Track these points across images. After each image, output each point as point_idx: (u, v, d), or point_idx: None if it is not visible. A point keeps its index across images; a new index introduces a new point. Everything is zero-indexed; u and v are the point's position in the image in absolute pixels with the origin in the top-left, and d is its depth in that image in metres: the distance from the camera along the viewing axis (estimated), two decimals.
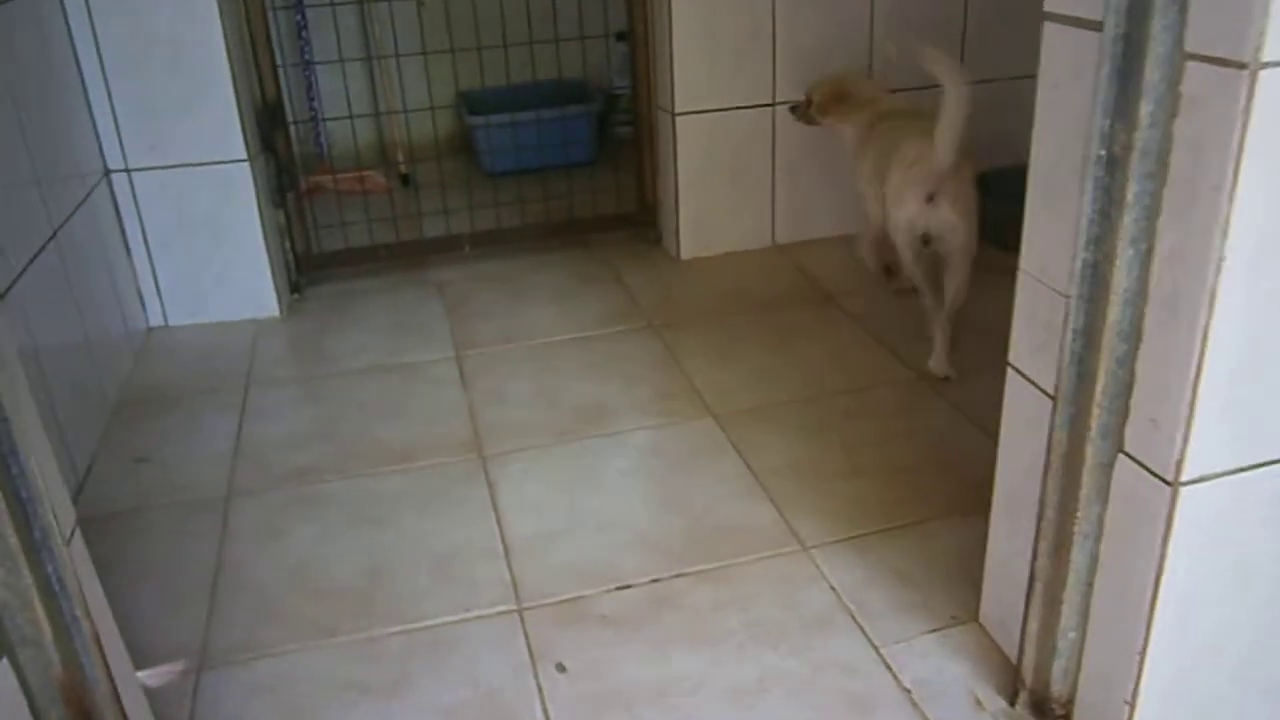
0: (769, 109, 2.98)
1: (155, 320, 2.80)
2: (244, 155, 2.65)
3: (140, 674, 1.55)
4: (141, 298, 2.76)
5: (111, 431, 2.31)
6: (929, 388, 2.34)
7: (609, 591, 1.75)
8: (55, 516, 1.05)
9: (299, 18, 3.80)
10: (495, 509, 1.97)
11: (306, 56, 3.83)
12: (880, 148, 2.44)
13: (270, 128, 2.79)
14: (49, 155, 2.22)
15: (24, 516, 1.02)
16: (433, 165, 3.68)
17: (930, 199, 2.22)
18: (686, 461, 2.10)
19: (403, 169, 3.94)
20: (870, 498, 1.95)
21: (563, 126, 2.83)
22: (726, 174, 3.02)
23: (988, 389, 2.33)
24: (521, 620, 1.70)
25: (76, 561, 1.11)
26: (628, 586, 1.76)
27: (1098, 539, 1.26)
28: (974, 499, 1.88)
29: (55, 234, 2.19)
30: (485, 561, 1.83)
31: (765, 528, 1.88)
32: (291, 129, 2.92)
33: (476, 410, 2.33)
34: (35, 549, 1.03)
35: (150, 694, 1.49)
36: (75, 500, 2.06)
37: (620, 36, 3.51)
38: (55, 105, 2.34)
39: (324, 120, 3.90)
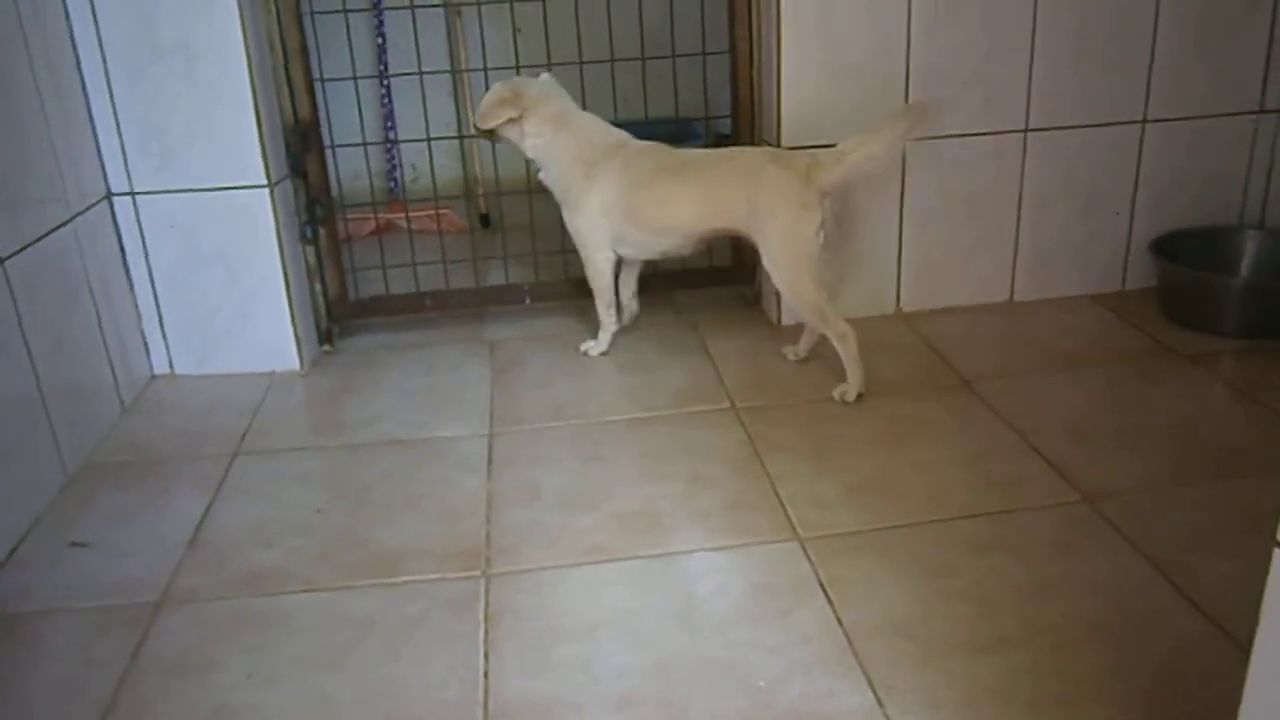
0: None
1: (160, 368, 2.41)
2: (263, 180, 2.25)
3: None
4: (145, 342, 2.38)
5: (61, 503, 1.90)
6: (1093, 513, 1.73)
7: None
8: None
9: (379, 31, 3.45)
10: (486, 656, 1.45)
11: (385, 71, 3.47)
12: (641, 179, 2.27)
13: (302, 151, 2.39)
14: (3, 170, 1.85)
15: None
16: (522, 205, 3.20)
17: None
18: (755, 606, 1.54)
19: (483, 208, 3.53)
20: (1012, 687, 1.35)
21: None
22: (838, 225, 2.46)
23: (1175, 517, 1.72)
24: None
25: None
26: None
27: None
28: (1174, 705, 1.28)
29: (1, 264, 1.81)
30: None
31: None
32: (356, 157, 2.51)
33: (496, 508, 1.83)
34: None
35: None
36: None
37: None
38: (35, 114, 1.97)
39: (399, 143, 3.52)
